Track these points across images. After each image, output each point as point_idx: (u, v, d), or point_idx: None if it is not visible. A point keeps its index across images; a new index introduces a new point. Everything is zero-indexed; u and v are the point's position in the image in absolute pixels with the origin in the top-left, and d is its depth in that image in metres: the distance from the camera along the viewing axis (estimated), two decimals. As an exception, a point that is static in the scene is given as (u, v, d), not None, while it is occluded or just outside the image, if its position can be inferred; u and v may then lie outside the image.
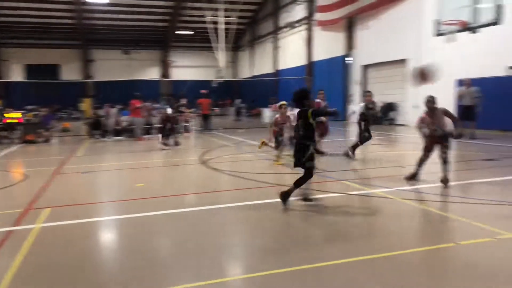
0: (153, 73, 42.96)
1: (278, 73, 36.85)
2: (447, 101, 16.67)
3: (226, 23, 33.12)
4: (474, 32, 12.78)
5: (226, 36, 33.06)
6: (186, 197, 7.05)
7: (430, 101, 7.27)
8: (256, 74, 41.99)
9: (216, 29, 32.32)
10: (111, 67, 40.29)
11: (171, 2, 36.31)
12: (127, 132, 17.80)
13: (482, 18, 12.22)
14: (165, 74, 42.76)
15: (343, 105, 27.29)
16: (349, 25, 26.44)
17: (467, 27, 12.48)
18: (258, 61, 41.89)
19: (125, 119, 18.26)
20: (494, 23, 11.73)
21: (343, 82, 27.28)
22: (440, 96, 16.84)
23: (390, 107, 23.17)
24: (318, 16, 28.80)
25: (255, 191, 7.15)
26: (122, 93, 26.79)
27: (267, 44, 38.88)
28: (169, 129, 14.02)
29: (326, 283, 3.55)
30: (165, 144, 13.75)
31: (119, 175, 9.52)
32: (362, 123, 10.21)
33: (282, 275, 3.66)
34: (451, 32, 12.93)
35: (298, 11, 32.24)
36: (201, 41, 39.07)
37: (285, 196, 5.88)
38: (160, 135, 14.30)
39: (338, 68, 27.62)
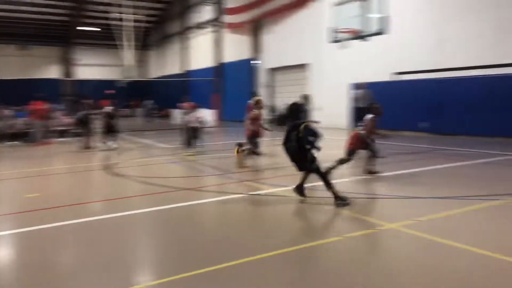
0: (53, 72, 40.52)
1: (187, 73, 36.73)
2: (343, 103, 18.04)
3: (133, 21, 32.32)
4: (364, 40, 13.91)
5: (134, 34, 32.26)
6: (86, 206, 6.60)
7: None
8: (165, 74, 41.45)
9: (123, 26, 31.40)
10: (4, 63, 37.27)
11: (73, -4, 34.56)
12: (23, 136, 16.59)
13: (371, 28, 13.34)
14: (67, 72, 40.54)
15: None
16: (256, 28, 27.24)
17: (358, 35, 13.55)
18: (167, 61, 41.37)
19: (22, 122, 17.09)
20: (381, 32, 12.89)
21: (251, 85, 27.99)
22: (337, 99, 18.20)
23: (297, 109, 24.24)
24: (226, 18, 29.26)
25: (163, 196, 7.11)
26: (17, 93, 25.07)
27: (176, 44, 38.58)
28: (110, 128, 13.99)
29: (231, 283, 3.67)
30: (104, 143, 13.81)
31: (11, 185, 8.83)
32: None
33: (179, 281, 3.73)
34: (345, 40, 13.97)
35: (207, 12, 32.43)
36: (107, 39, 37.61)
37: (339, 200, 5.90)
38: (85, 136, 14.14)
39: (246, 70, 28.27)
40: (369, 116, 8.22)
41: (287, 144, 6.21)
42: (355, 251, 4.34)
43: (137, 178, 8.77)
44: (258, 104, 10.21)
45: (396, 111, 16.44)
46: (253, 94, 12.10)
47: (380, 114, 8.33)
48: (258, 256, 4.11)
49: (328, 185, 6.05)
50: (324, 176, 6.14)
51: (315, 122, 10.25)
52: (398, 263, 4.04)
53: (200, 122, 12.68)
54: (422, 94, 15.92)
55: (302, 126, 6.02)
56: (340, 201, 5.94)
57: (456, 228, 5.02)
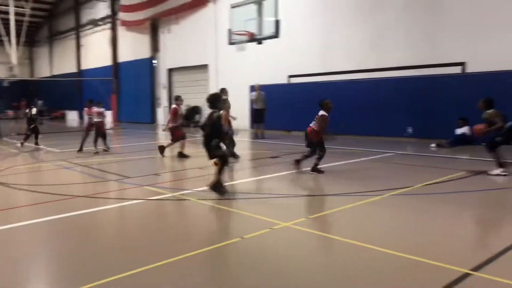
0: None
1: (82, 73, 34.82)
2: (243, 105, 18.46)
3: (18, 14, 29.77)
4: (260, 43, 14.36)
5: (19, 29, 29.73)
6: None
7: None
8: (56, 73, 38.85)
9: (6, 20, 28.76)
10: None
11: None
12: None
13: (265, 31, 13.79)
14: None
15: (151, 108, 27.46)
16: (154, 27, 26.68)
17: (254, 38, 13.94)
18: (59, 59, 38.79)
19: None
20: (274, 36, 13.39)
21: (150, 85, 27.38)
22: (237, 101, 18.56)
23: (195, 110, 24.25)
24: (122, 15, 28.26)
25: (55, 205, 6.70)
26: None
27: (69, 41, 36.34)
28: (32, 129, 14.17)
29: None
30: (22, 144, 14.00)
31: None
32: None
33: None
34: (241, 42, 14.30)
35: (101, 9, 31.03)
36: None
37: (219, 187, 6.72)
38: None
39: (145, 70, 27.58)
40: (321, 112, 8.71)
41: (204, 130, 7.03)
42: (252, 252, 4.50)
43: (24, 186, 8.17)
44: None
45: (290, 112, 17.28)
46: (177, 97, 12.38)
47: (330, 110, 8.84)
48: (158, 263, 4.09)
49: (220, 172, 6.74)
50: (224, 163, 6.80)
51: (233, 118, 10.64)
52: (289, 261, 4.29)
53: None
54: (312, 97, 16.85)
55: (216, 114, 6.77)
56: (218, 188, 6.73)
57: (341, 224, 5.47)
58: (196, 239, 5.01)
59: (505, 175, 8.02)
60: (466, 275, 3.65)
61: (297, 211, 6.13)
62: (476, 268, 3.78)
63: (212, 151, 6.89)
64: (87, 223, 5.79)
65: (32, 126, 14.32)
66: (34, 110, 14.50)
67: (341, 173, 9.02)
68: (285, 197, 7.07)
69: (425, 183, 7.45)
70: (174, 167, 10.68)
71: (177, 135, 11.54)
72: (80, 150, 12.65)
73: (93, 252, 4.62)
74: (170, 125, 11.56)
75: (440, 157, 10.70)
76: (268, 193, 7.35)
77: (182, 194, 7.14)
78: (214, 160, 6.95)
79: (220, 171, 6.81)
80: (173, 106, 11.98)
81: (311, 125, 8.80)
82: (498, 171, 8.15)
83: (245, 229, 5.21)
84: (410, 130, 14.46)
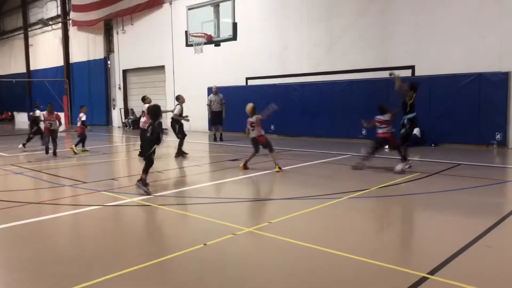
0: None
1: (31, 73, 33.43)
2: (202, 107, 18.39)
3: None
4: (217, 45, 14.35)
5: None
6: None
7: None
8: (2, 73, 37.11)
9: None
10: None
11: None
12: None
13: (222, 33, 13.81)
14: None
15: (106, 110, 26.79)
16: (108, 27, 26.05)
17: (211, 40, 13.92)
18: (6, 59, 37.07)
19: None
20: (232, 38, 13.43)
21: (105, 86, 26.68)
22: (196, 102, 18.43)
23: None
24: (74, 15, 27.39)
25: (3, 212, 6.50)
26: None
27: (17, 40, 34.82)
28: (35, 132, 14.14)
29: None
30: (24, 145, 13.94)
31: None
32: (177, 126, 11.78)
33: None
34: (198, 44, 14.23)
35: (51, 8, 29.95)
36: None
37: (143, 185, 7.35)
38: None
39: (99, 71, 26.88)
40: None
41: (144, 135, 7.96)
42: (214, 259, 4.48)
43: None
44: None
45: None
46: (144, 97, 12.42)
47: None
48: (116, 274, 4.01)
49: (145, 172, 7.42)
50: (149, 165, 7.51)
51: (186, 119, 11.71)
52: (253, 268, 4.33)
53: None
54: (270, 99, 17.02)
55: (157, 122, 7.43)
56: (143, 186, 7.34)
57: (302, 228, 5.57)
58: (158, 246, 4.95)
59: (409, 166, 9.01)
60: (423, 279, 3.78)
61: (259, 216, 6.18)
62: (432, 272, 3.92)
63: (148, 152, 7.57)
64: (41, 232, 5.59)
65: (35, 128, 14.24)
66: (38, 112, 14.36)
67: (298, 176, 9.17)
68: (246, 201, 7.11)
69: (381, 185, 7.70)
70: (132, 171, 10.47)
71: None
72: (55, 153, 12.47)
73: (48, 262, 4.47)
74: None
75: (394, 159, 11.08)
76: (229, 197, 7.37)
77: (142, 200, 7.02)
78: None
79: (146, 172, 7.46)
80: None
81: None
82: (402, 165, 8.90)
83: (208, 235, 5.17)
84: (364, 131, 14.88)
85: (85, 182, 8.62)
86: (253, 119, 9.50)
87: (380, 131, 9.33)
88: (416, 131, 13.23)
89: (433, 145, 13.17)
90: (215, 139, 15.99)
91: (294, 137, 16.51)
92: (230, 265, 4.34)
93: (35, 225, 5.84)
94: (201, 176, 9.59)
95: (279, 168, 9.27)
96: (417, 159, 10.74)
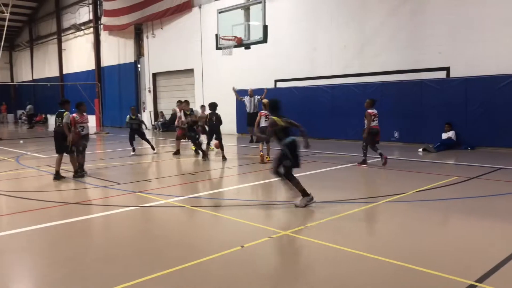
0: None
1: (64, 77, 34.28)
2: (230, 109, 18.44)
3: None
4: (247, 48, 14.31)
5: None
6: None
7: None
8: (37, 77, 38.20)
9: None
10: None
11: None
12: None
13: (252, 36, 13.74)
14: None
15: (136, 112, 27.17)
16: (138, 32, 26.47)
17: (241, 43, 13.88)
18: (40, 63, 38.16)
19: None
20: (262, 41, 13.35)
21: (135, 89, 27.11)
22: (224, 105, 18.49)
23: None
24: (105, 20, 27.95)
25: (36, 214, 6.57)
26: None
27: (51, 45, 35.79)
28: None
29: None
30: None
31: None
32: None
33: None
34: (228, 47, 14.22)
35: (84, 14, 30.67)
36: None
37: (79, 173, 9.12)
38: None
39: (130, 74, 27.32)
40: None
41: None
42: (253, 261, 4.44)
43: (12, 193, 7.95)
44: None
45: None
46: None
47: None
48: (155, 275, 4.01)
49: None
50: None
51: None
52: (290, 270, 4.26)
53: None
54: (297, 101, 16.94)
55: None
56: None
57: (337, 231, 5.45)
58: (195, 248, 4.91)
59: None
60: (471, 287, 3.65)
61: (294, 219, 6.09)
62: (481, 279, 3.77)
63: None
64: (80, 231, 5.66)
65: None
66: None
67: (331, 179, 9.04)
68: (279, 204, 7.04)
69: (418, 189, 7.50)
70: (164, 173, 10.55)
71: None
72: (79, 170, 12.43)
73: (89, 261, 4.51)
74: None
75: (428, 162, 10.82)
76: (263, 200, 7.32)
77: (177, 201, 7.04)
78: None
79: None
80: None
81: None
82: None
83: (244, 237, 5.13)
84: (396, 134, 14.60)
85: (119, 183, 8.72)
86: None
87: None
88: (451, 134, 12.90)
89: (469, 148, 12.78)
90: (251, 140, 16.10)
91: (323, 140, 16.34)
92: (267, 268, 4.28)
93: (74, 225, 5.93)
94: (234, 178, 9.58)
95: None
96: (453, 162, 10.43)
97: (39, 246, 5.17)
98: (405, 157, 11.73)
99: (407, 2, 14.30)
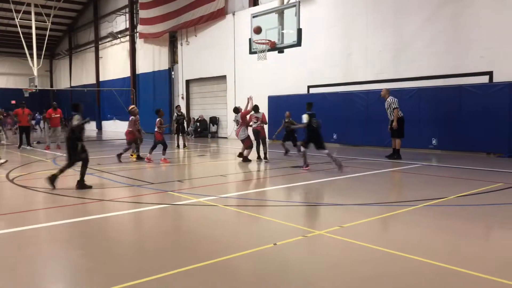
0: None
1: (100, 84, 35.19)
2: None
3: (40, 28, 30.38)
4: (281, 52, 14.23)
5: (41, 43, 30.26)
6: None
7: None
8: (75, 84, 39.37)
9: (28, 34, 29.33)
10: None
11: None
12: None
13: (286, 40, 13.65)
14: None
15: (170, 118, 27.47)
16: (172, 39, 26.88)
17: (275, 47, 13.80)
18: (78, 71, 39.35)
19: None
20: (296, 44, 13.23)
21: (169, 96, 27.47)
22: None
23: (212, 121, 24.29)
24: (141, 28, 28.55)
25: (73, 209, 6.63)
26: None
27: (88, 53, 36.88)
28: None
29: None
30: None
31: None
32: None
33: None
34: (262, 51, 14.17)
35: (120, 22, 31.47)
36: (11, 46, 34.98)
37: (82, 185, 7.99)
38: None
39: (164, 81, 27.73)
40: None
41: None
42: (286, 258, 4.29)
43: (46, 189, 8.07)
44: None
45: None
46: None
47: None
48: (188, 267, 3.91)
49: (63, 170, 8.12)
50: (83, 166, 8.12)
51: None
52: (324, 268, 4.07)
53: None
54: (332, 107, 16.67)
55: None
56: (82, 186, 7.97)
57: (376, 233, 5.23)
58: (227, 244, 4.80)
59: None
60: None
61: (329, 219, 5.90)
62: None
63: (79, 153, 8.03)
64: (115, 226, 5.69)
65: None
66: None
67: (367, 183, 8.76)
68: (314, 205, 6.85)
69: (460, 194, 7.15)
70: (196, 174, 10.54)
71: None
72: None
73: (124, 253, 4.53)
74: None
75: (459, 168, 10.37)
76: (297, 201, 7.15)
77: (208, 200, 6.97)
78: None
79: (63, 169, 8.14)
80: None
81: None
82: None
83: (277, 235, 5.00)
84: (434, 141, 14.11)
85: (152, 183, 8.73)
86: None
87: None
88: None
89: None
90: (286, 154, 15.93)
91: (358, 146, 15.99)
92: (300, 265, 4.10)
93: (110, 220, 5.96)
94: (267, 180, 9.44)
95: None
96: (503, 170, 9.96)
97: (75, 238, 5.17)
98: (446, 164, 11.29)
99: (447, 5, 13.87)
